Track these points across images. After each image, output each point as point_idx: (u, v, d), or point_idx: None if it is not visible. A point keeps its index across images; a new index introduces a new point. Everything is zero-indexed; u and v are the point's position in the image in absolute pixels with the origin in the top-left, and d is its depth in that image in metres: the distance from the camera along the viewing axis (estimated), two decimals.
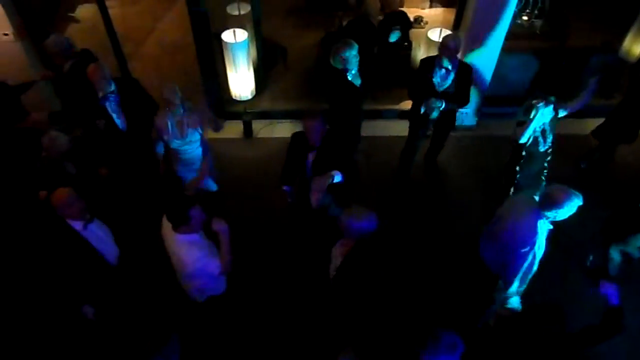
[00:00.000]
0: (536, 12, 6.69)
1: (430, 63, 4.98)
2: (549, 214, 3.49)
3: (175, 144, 4.56)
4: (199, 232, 3.43)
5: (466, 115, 6.55)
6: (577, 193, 3.43)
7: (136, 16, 8.57)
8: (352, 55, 4.71)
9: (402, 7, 7.53)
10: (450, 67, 4.85)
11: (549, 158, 4.80)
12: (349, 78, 4.87)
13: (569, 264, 5.00)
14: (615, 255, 4.36)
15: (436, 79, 4.96)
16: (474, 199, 5.72)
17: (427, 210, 5.65)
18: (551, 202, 3.45)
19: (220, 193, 5.25)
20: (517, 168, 4.85)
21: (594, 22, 7.18)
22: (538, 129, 4.55)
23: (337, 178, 3.97)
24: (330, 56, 4.84)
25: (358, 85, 4.95)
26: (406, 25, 6.75)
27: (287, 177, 4.49)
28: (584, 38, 6.99)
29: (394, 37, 4.93)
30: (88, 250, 3.73)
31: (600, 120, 5.85)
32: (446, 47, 4.75)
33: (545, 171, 4.91)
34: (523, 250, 3.58)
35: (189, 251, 3.36)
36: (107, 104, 4.62)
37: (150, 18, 8.56)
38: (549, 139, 4.63)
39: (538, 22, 6.91)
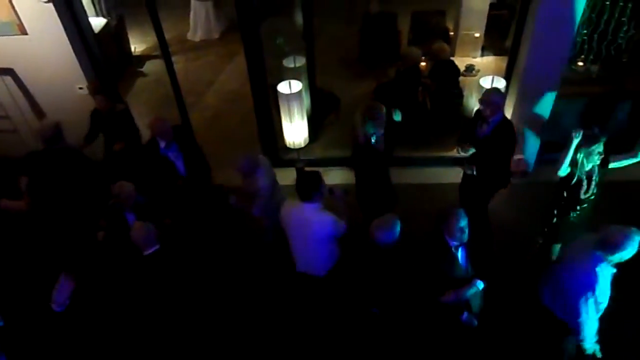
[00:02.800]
0: (591, 57, 6.60)
1: (479, 114, 4.96)
2: (611, 257, 3.40)
3: None
4: (322, 200, 4.09)
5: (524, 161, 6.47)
6: (635, 230, 3.33)
7: (199, 70, 9.11)
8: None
9: (453, 56, 7.65)
10: (489, 120, 4.77)
11: (585, 205, 4.58)
12: (372, 142, 4.79)
13: None
14: None
15: (478, 129, 4.94)
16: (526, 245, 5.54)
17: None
18: (611, 244, 3.36)
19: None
20: (555, 211, 4.71)
21: None
22: (583, 173, 4.38)
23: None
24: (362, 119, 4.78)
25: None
26: (455, 73, 6.84)
27: None
28: None
29: (397, 117, 5.04)
30: None
31: None
32: (483, 100, 4.74)
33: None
34: (586, 296, 3.48)
35: (321, 216, 4.01)
36: (169, 152, 4.99)
37: (211, 71, 9.08)
38: (593, 184, 4.44)
39: (594, 68, 6.81)
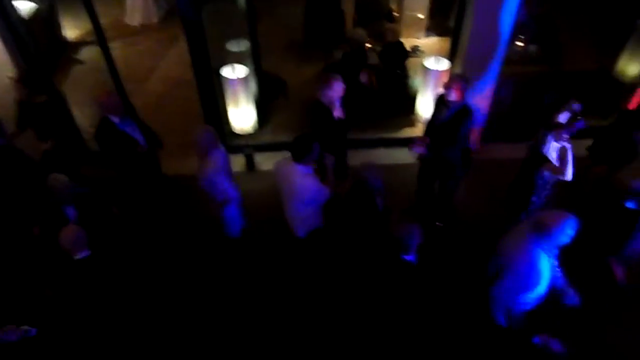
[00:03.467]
0: (530, 37, 6.80)
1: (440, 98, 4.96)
2: (545, 244, 3.34)
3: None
4: (313, 164, 4.22)
5: None
6: (571, 215, 3.28)
7: (138, 56, 8.76)
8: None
9: (400, 37, 7.68)
10: (450, 105, 4.79)
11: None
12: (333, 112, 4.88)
13: None
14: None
15: (440, 113, 4.95)
16: (483, 226, 5.65)
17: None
18: (545, 226, 3.30)
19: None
20: (534, 190, 4.72)
21: (588, 46, 7.32)
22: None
23: None
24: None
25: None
26: (403, 55, 6.88)
27: None
28: (579, 61, 7.12)
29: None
30: None
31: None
32: (449, 86, 4.73)
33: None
34: (525, 285, 3.50)
35: (306, 180, 4.12)
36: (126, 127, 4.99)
37: (151, 57, 8.75)
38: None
39: (532, 47, 7.03)
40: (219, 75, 6.37)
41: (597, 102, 6.44)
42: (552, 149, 4.40)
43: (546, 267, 3.41)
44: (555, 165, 4.39)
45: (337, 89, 4.83)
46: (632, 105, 5.20)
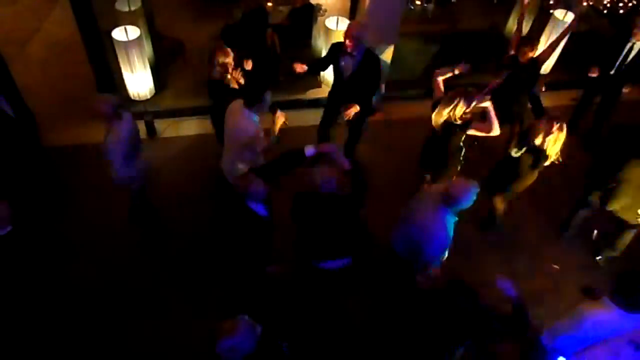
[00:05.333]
0: None
1: (338, 49, 4.97)
2: (452, 209, 3.69)
3: None
4: (259, 114, 4.26)
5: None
6: (473, 182, 3.64)
7: (17, 16, 7.93)
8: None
9: None
10: (354, 54, 4.83)
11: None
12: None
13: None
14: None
15: (341, 65, 4.98)
16: (387, 182, 5.80)
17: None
18: (452, 196, 3.62)
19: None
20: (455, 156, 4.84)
21: (480, 7, 7.64)
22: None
23: None
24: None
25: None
26: (311, 19, 6.76)
27: None
28: (473, 21, 7.42)
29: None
30: None
31: None
32: (348, 34, 4.73)
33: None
34: (432, 244, 3.75)
35: (249, 123, 4.18)
36: None
37: (32, 17, 7.96)
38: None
39: (429, 7, 7.21)
40: (111, 38, 5.93)
41: (491, 60, 6.81)
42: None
43: (451, 227, 3.77)
44: (480, 124, 4.54)
45: (225, 60, 4.71)
46: (522, 57, 5.42)
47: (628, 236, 5.00)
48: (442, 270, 3.85)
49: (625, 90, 6.00)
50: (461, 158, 4.81)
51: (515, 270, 5.08)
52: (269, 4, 7.07)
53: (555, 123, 4.35)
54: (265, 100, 4.18)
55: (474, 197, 3.65)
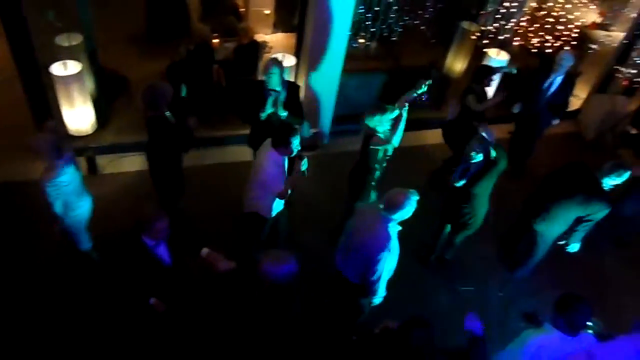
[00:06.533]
0: (369, 35, 7.19)
1: (260, 87, 5.02)
2: (394, 217, 3.73)
3: None
4: (284, 157, 4.38)
5: (319, 134, 6.82)
6: (412, 191, 3.71)
7: None
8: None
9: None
10: (279, 89, 4.94)
11: (384, 164, 4.94)
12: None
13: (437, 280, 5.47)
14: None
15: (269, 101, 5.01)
16: (329, 211, 5.87)
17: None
18: (394, 206, 3.68)
19: None
20: (370, 175, 4.95)
21: (420, 44, 7.96)
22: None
23: None
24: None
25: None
26: (256, 55, 6.82)
27: None
28: (414, 58, 7.71)
29: (183, 92, 5.11)
30: None
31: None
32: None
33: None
34: (381, 256, 3.76)
35: (272, 166, 4.30)
36: None
37: None
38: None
39: (372, 45, 7.45)
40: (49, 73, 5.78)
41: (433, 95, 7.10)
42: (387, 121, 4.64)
43: (396, 237, 3.83)
44: (380, 137, 4.64)
45: (165, 95, 4.57)
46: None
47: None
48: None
49: (554, 122, 6.38)
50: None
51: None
52: (215, 40, 7.12)
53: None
54: (292, 143, 4.22)
55: (415, 205, 3.71)
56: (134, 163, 6.20)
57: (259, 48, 6.75)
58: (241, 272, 3.94)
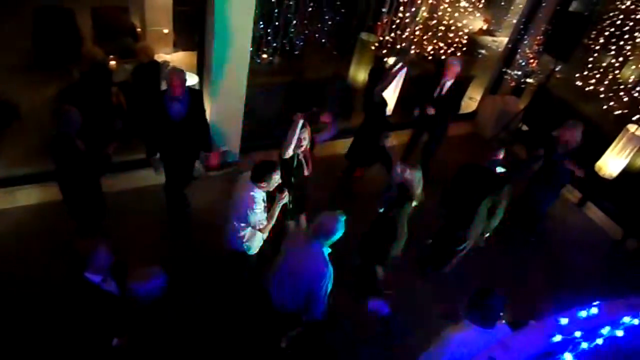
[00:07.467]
0: (271, 50, 7.25)
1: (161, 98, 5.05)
2: (325, 242, 3.76)
3: None
4: (263, 191, 4.31)
5: (228, 152, 6.70)
6: (339, 212, 3.77)
7: None
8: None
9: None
10: (180, 99, 4.95)
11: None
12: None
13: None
14: (379, 270, 4.95)
15: (173, 112, 4.99)
16: None
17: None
18: (326, 232, 3.72)
19: None
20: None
21: (323, 57, 8.15)
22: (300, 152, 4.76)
23: None
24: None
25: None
26: (157, 75, 6.61)
27: None
28: (318, 71, 7.87)
29: None
30: None
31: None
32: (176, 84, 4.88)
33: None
34: (323, 282, 3.76)
35: (251, 200, 4.23)
36: None
37: None
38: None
39: (275, 60, 7.51)
40: None
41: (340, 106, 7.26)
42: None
43: (328, 259, 3.84)
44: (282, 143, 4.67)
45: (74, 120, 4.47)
46: None
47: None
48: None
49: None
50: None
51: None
52: (112, 62, 6.84)
53: (409, 165, 4.71)
54: (271, 179, 4.21)
55: (344, 226, 3.75)
56: (29, 195, 5.80)
57: (159, 68, 6.55)
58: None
